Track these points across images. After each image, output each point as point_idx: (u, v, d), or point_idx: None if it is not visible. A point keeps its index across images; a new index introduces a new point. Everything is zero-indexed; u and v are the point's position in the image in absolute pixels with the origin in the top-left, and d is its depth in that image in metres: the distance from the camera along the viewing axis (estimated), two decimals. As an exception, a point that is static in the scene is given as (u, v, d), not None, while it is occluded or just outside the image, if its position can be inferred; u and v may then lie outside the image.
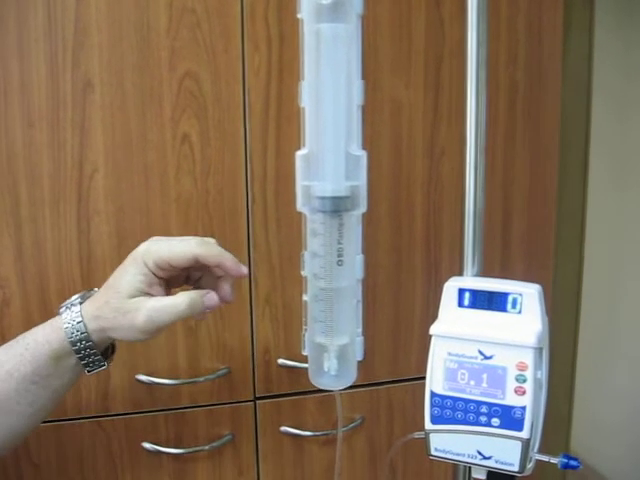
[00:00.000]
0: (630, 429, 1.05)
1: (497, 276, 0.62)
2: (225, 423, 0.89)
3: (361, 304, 0.58)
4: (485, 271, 0.65)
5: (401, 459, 0.97)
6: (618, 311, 1.08)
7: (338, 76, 0.52)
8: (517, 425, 0.56)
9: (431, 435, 0.60)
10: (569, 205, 1.13)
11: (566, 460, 0.58)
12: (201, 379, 0.86)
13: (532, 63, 0.95)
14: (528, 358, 0.56)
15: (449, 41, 0.90)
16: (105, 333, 0.59)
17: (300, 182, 0.55)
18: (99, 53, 0.78)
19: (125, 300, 0.58)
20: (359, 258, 0.57)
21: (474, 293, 0.60)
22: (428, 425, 0.60)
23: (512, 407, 0.56)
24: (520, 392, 0.56)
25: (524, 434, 0.56)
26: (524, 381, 0.56)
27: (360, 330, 0.58)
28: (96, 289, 0.63)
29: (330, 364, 0.57)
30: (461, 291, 0.61)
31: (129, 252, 0.81)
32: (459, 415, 0.59)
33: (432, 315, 0.62)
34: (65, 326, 0.59)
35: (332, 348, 0.57)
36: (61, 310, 0.61)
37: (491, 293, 0.60)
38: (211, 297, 0.60)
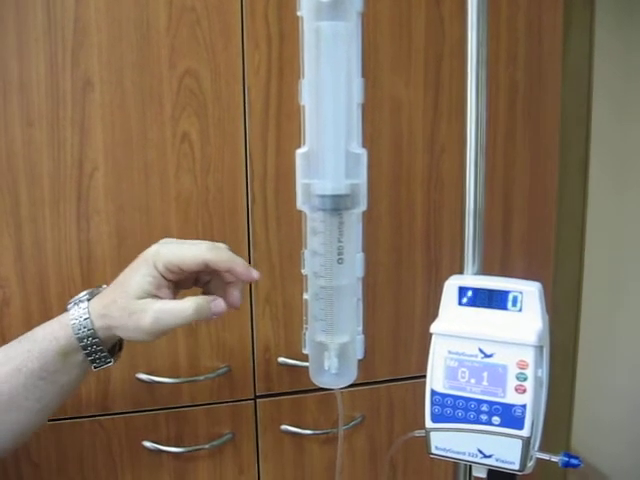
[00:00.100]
0: (630, 427, 1.05)
1: (497, 274, 0.62)
2: (225, 422, 0.89)
3: (361, 302, 0.58)
4: (485, 269, 0.65)
5: (402, 457, 0.97)
6: (618, 310, 1.08)
7: (338, 74, 0.52)
8: (518, 423, 0.56)
9: (432, 433, 0.60)
10: (569, 204, 1.13)
11: (567, 458, 0.58)
12: (201, 378, 0.86)
13: (532, 62, 0.95)
14: (529, 356, 0.56)
15: (449, 39, 0.90)
16: (111, 331, 0.59)
17: (300, 180, 0.55)
18: (99, 52, 0.78)
19: (132, 300, 0.58)
20: (359, 256, 0.57)
21: (474, 291, 0.60)
22: (429, 423, 0.60)
23: (512, 405, 0.56)
24: (520, 390, 0.56)
25: (525, 432, 0.56)
26: (524, 379, 0.56)
27: (360, 328, 0.58)
28: (104, 286, 0.63)
29: (330, 362, 0.57)
30: (461, 289, 0.61)
31: (129, 251, 0.82)
32: (460, 413, 0.59)
33: (432, 313, 0.62)
34: (72, 322, 0.59)
35: (332, 346, 0.57)
36: (69, 306, 0.61)
37: (491, 291, 0.60)
38: (218, 304, 0.60)
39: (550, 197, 1.01)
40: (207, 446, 0.88)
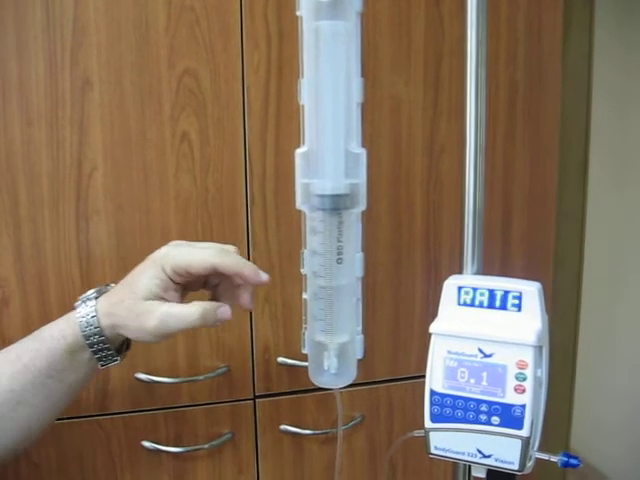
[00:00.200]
0: (630, 427, 1.05)
1: (497, 274, 0.62)
2: (225, 422, 0.89)
3: (361, 302, 0.58)
4: (485, 269, 0.65)
5: (401, 457, 0.97)
6: (618, 309, 1.08)
7: (337, 74, 0.52)
8: (517, 423, 0.56)
9: (431, 433, 0.60)
10: (569, 204, 1.13)
11: (566, 458, 0.57)
12: (201, 377, 0.86)
13: (532, 62, 0.95)
14: (528, 356, 0.56)
15: (449, 39, 0.90)
16: (116, 330, 0.60)
17: (299, 180, 0.55)
18: (98, 51, 0.78)
19: (139, 301, 0.58)
20: (359, 256, 0.57)
21: (474, 291, 0.60)
22: (428, 423, 0.60)
23: (512, 405, 0.56)
24: (520, 390, 0.56)
25: (524, 432, 0.56)
26: (524, 379, 0.56)
27: (360, 328, 0.58)
28: (112, 285, 0.63)
29: (330, 362, 0.57)
30: (461, 289, 0.61)
31: (128, 251, 0.82)
32: (459, 413, 0.59)
33: (432, 313, 0.62)
34: (79, 320, 0.59)
35: (332, 346, 0.57)
36: (77, 304, 0.61)
37: (491, 291, 0.60)
38: (224, 311, 0.60)
39: (550, 197, 1.01)
40: (206, 446, 0.88)
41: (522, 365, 0.56)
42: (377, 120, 0.89)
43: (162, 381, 0.84)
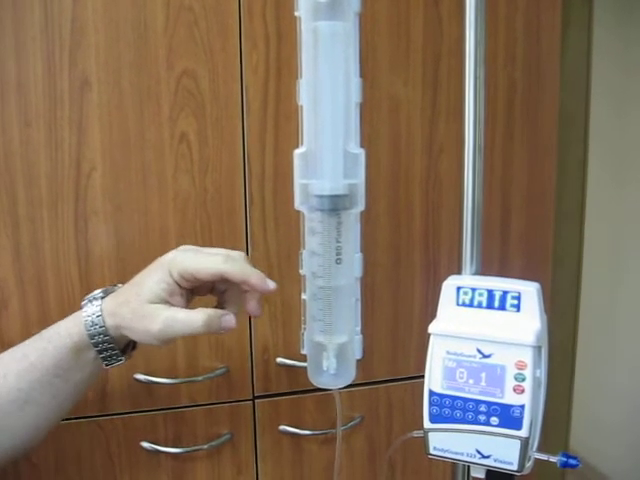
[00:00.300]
0: (629, 428, 1.05)
1: (496, 274, 0.62)
2: (224, 422, 0.89)
3: (360, 303, 0.58)
4: (484, 269, 0.65)
5: (400, 458, 0.97)
6: (617, 309, 1.08)
7: (336, 74, 0.52)
8: (516, 424, 0.56)
9: (430, 434, 0.60)
10: (568, 203, 1.13)
11: (565, 459, 0.57)
12: (200, 378, 0.86)
13: (530, 61, 0.95)
14: (527, 357, 0.56)
15: (447, 39, 0.90)
16: (120, 331, 0.60)
17: (298, 180, 0.55)
18: (96, 52, 0.78)
19: (144, 304, 0.58)
20: (358, 256, 0.57)
21: (473, 291, 0.60)
22: (427, 424, 0.60)
23: (511, 406, 0.56)
24: (519, 391, 0.56)
25: (523, 433, 0.56)
26: (523, 380, 0.56)
27: (359, 329, 0.58)
28: (120, 285, 0.63)
29: (329, 363, 0.57)
30: (460, 289, 0.61)
31: (127, 251, 0.82)
32: (458, 414, 0.59)
33: (431, 314, 0.62)
34: (85, 319, 0.60)
35: (331, 347, 0.57)
36: (83, 303, 0.62)
37: (490, 291, 0.60)
38: (229, 319, 0.60)
39: (548, 196, 1.01)
40: (205, 446, 0.88)
41: (521, 365, 0.56)
42: (376, 120, 0.88)
43: (161, 382, 0.84)
